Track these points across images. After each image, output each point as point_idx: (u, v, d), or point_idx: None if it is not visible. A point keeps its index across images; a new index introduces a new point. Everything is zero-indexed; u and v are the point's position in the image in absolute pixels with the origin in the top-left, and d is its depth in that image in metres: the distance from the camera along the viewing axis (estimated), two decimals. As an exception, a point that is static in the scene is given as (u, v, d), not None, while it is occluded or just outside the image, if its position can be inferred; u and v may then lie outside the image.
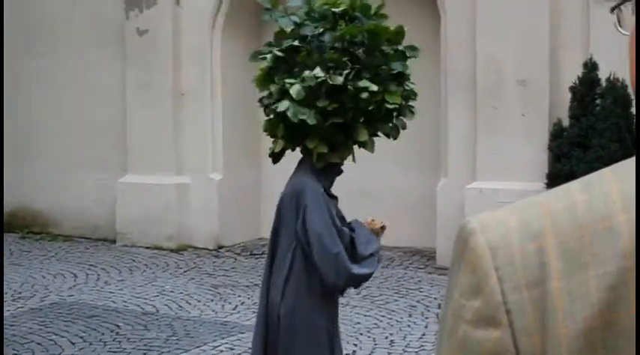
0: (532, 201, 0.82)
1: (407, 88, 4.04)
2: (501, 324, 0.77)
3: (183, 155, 9.37)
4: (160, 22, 9.33)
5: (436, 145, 8.65)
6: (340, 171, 4.02)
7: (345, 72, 3.84)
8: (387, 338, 6.26)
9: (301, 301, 3.85)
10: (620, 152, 7.18)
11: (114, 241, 9.55)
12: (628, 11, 0.86)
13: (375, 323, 6.59)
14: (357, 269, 3.80)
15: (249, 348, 5.85)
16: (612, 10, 0.89)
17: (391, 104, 3.90)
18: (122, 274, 8.26)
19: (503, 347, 0.77)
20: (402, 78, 4.00)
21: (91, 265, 8.61)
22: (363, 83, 3.84)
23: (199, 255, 9.02)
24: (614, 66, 7.05)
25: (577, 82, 7.68)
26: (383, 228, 4.12)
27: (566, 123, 7.74)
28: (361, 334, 6.32)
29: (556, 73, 7.95)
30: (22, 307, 7.11)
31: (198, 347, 6.05)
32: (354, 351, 5.97)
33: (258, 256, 8.58)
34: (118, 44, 9.61)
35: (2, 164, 9.69)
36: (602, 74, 7.55)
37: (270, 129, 4.00)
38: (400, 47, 4.02)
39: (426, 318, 6.69)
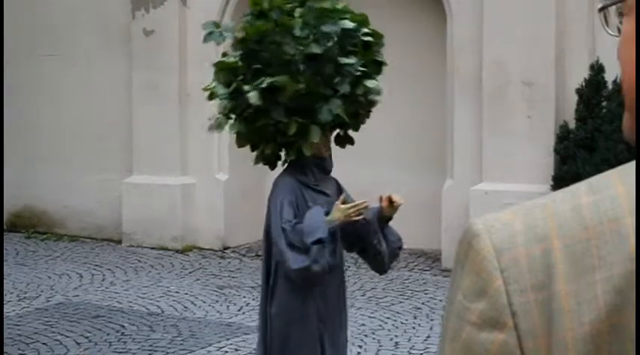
0: (537, 202, 0.81)
1: (342, 62, 3.93)
2: (506, 327, 0.76)
3: (189, 155, 9.38)
4: (167, 23, 9.34)
5: (442, 147, 8.64)
6: (320, 165, 4.02)
7: (242, 76, 3.96)
8: (391, 339, 6.25)
9: (287, 299, 3.91)
10: (627, 154, 7.17)
11: (119, 241, 9.56)
12: (615, 12, 0.87)
13: (380, 325, 6.58)
14: (295, 264, 3.79)
15: (254, 349, 5.85)
16: (600, 10, 0.89)
17: (298, 90, 3.88)
18: (127, 275, 8.26)
19: (508, 350, 0.76)
20: (316, 59, 3.92)
21: (96, 265, 8.62)
22: (258, 81, 3.89)
23: (205, 255, 9.02)
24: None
25: (583, 84, 7.66)
26: (392, 202, 4.06)
27: (572, 125, 7.73)
28: (366, 335, 6.31)
29: (562, 75, 7.93)
30: (27, 307, 7.12)
31: (203, 347, 6.05)
32: (359, 353, 5.96)
33: (264, 257, 8.58)
34: (124, 44, 9.62)
35: (2, 164, 9.70)
36: (609, 76, 7.54)
37: (238, 144, 4.16)
38: (317, 31, 3.95)
39: (431, 320, 6.68)
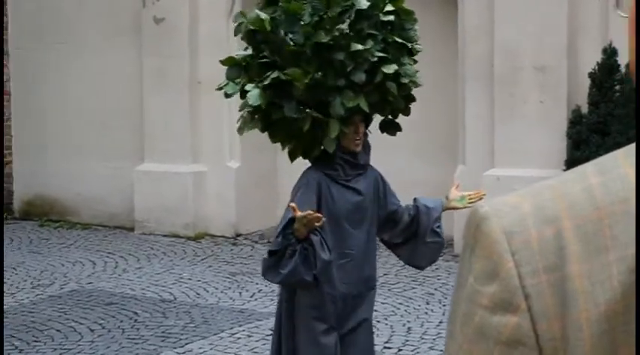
0: (545, 184, 0.81)
1: (354, 48, 3.66)
2: (519, 309, 0.76)
3: (200, 143, 9.38)
4: (177, 10, 9.33)
5: (453, 132, 8.61)
6: (350, 161, 3.81)
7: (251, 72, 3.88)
8: (404, 325, 6.26)
9: (301, 296, 3.86)
10: None
11: (132, 229, 9.58)
12: None
13: (393, 311, 6.59)
14: (265, 272, 3.72)
15: (267, 335, 5.87)
16: None
17: (308, 83, 3.67)
18: (140, 262, 8.29)
19: (522, 333, 0.76)
20: (326, 47, 3.69)
21: (109, 253, 8.66)
22: (264, 76, 3.77)
23: (217, 242, 9.04)
24: (633, 52, 6.97)
25: (596, 68, 7.61)
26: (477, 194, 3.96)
27: (584, 109, 7.68)
28: (378, 321, 6.31)
29: (574, 59, 7.88)
30: (41, 294, 7.16)
31: (215, 334, 6.07)
32: (372, 338, 5.96)
33: (276, 244, 8.58)
34: (134, 32, 9.62)
35: (2, 152, 9.72)
36: (622, 60, 7.48)
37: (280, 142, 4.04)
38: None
39: (444, 306, 6.68)
